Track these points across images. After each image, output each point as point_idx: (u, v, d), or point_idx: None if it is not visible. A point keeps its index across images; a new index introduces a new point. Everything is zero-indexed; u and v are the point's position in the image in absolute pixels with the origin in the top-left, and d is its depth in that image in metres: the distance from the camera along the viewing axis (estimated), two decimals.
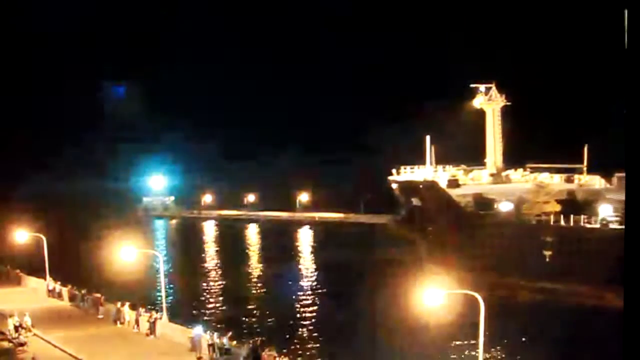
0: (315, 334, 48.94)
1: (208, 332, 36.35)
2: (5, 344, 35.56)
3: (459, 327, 42.56)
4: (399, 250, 73.79)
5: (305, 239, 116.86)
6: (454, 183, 68.78)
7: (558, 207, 60.84)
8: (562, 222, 58.93)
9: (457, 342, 44.06)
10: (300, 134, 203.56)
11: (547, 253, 57.85)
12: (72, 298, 48.61)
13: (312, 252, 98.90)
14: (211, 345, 33.15)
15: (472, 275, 56.36)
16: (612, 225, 56.13)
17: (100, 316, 43.71)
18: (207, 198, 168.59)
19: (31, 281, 56.80)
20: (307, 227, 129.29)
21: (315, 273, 79.00)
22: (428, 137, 70.72)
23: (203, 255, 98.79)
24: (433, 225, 69.19)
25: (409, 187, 71.48)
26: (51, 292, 51.43)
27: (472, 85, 75.33)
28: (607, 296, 47.17)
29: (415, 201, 71.28)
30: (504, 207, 64.31)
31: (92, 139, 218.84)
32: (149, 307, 46.86)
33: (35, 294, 53.52)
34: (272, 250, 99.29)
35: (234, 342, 33.20)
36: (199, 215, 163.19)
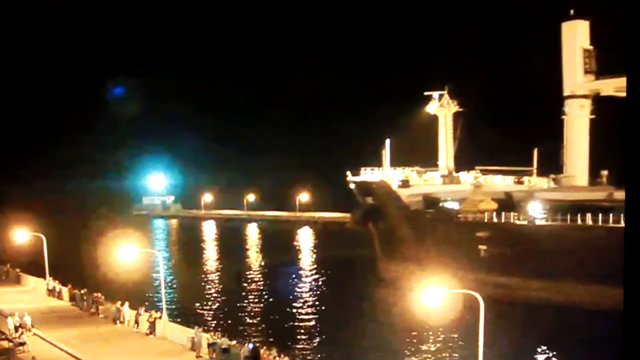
0: (316, 334, 48.92)
1: (208, 331, 36.36)
2: (5, 344, 35.54)
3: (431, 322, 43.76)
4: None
5: (304, 238, 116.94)
6: (405, 183, 72.84)
7: (494, 206, 64.90)
8: (495, 219, 62.54)
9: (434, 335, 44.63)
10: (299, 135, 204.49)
11: (482, 247, 61.51)
12: (72, 298, 48.60)
13: (311, 251, 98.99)
14: (211, 345, 33.15)
15: (416, 269, 63.07)
16: (538, 222, 60.28)
17: (100, 316, 43.73)
18: (207, 198, 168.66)
19: (31, 281, 56.80)
20: (306, 227, 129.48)
21: (315, 272, 79.03)
22: (387, 141, 74.44)
23: (203, 254, 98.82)
24: (384, 223, 73.60)
25: (364, 187, 75.51)
26: (51, 292, 51.43)
27: (426, 93, 79.56)
28: (533, 286, 50.59)
29: (369, 200, 75.78)
30: (449, 206, 69.31)
31: (92, 139, 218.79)
32: (149, 306, 46.86)
33: (35, 293, 53.54)
34: (271, 249, 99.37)
35: (234, 342, 33.16)
36: (199, 214, 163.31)
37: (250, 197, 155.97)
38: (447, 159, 79.67)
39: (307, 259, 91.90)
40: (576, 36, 74.26)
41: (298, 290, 68.88)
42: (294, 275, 77.12)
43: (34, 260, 60.25)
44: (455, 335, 45.35)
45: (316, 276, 76.63)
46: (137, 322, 39.52)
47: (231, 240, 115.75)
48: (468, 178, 76.53)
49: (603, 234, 52.55)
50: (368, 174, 75.62)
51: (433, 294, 24.19)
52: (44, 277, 53.31)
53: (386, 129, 77.18)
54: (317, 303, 61.49)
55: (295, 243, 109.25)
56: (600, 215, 54.17)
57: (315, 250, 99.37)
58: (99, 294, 45.85)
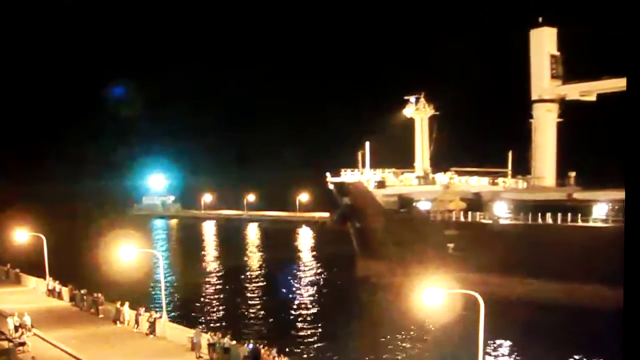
0: (316, 333, 48.94)
1: (208, 331, 36.34)
2: (5, 344, 35.51)
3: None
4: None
5: (304, 238, 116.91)
6: (381, 184, 75.61)
7: (463, 205, 68.43)
8: (462, 219, 66.09)
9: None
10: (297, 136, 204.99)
11: (450, 245, 65.07)
12: (72, 298, 48.58)
13: (310, 251, 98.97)
14: (211, 345, 33.14)
15: (389, 266, 67.78)
16: (502, 221, 63.75)
17: (100, 316, 43.71)
18: (207, 198, 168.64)
19: (31, 281, 56.77)
20: (306, 227, 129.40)
21: (315, 272, 79.08)
22: (367, 143, 77.40)
23: (203, 254, 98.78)
24: (360, 222, 76.96)
25: (342, 188, 78.54)
26: (51, 292, 51.40)
27: (405, 97, 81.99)
28: (491, 282, 52.81)
29: (346, 200, 78.89)
30: (423, 205, 72.09)
31: (92, 140, 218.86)
32: (149, 306, 46.87)
33: (35, 293, 53.51)
34: (271, 249, 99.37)
35: (234, 342, 33.15)
36: (199, 215, 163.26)
37: (251, 197, 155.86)
38: (423, 161, 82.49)
39: (307, 258, 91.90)
40: (544, 42, 76.76)
41: (298, 290, 68.92)
42: (294, 275, 77.17)
43: (34, 260, 60.22)
44: (439, 333, 45.57)
45: (316, 276, 76.67)
46: (137, 322, 39.51)
47: (231, 241, 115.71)
48: (444, 179, 78.95)
49: (560, 232, 56.68)
50: (347, 176, 78.16)
51: (432, 294, 24.20)
52: (44, 277, 53.27)
53: (367, 132, 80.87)
54: (317, 303, 61.53)
55: (295, 243, 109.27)
56: (559, 214, 57.68)
57: (315, 250, 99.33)
58: (99, 294, 45.81)
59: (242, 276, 76.51)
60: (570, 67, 76.14)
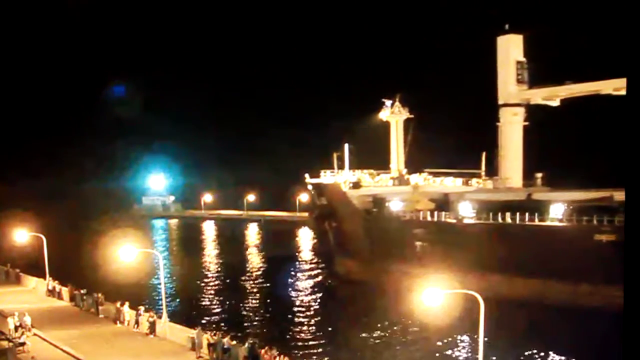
0: (316, 333, 48.92)
1: (208, 332, 36.33)
2: (5, 344, 35.52)
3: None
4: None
5: (304, 238, 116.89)
6: (355, 185, 77.75)
7: (431, 205, 71.86)
8: (429, 218, 68.75)
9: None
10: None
11: (418, 243, 68.24)
12: (72, 298, 48.58)
13: (310, 251, 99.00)
14: (211, 345, 33.15)
15: (362, 263, 71.72)
16: (466, 221, 66.15)
17: (100, 316, 43.70)
18: (207, 198, 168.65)
19: (31, 281, 56.77)
20: (305, 227, 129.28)
21: (315, 271, 79.12)
22: (346, 145, 79.88)
23: (203, 254, 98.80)
24: (336, 222, 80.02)
25: (319, 189, 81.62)
26: (51, 292, 51.41)
27: (383, 100, 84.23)
28: (455, 278, 54.94)
29: (322, 200, 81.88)
30: (395, 206, 74.44)
31: (92, 139, 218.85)
32: (149, 306, 46.87)
33: (35, 293, 53.53)
34: (271, 249, 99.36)
35: (234, 342, 33.15)
36: (199, 215, 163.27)
37: (250, 197, 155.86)
38: (398, 162, 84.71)
39: (307, 258, 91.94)
40: (510, 49, 79.79)
41: (298, 289, 68.94)
42: (294, 275, 77.18)
43: (34, 260, 60.23)
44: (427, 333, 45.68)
45: (316, 276, 76.69)
46: (137, 322, 39.49)
47: (231, 241, 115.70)
48: (419, 180, 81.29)
49: (519, 231, 59.86)
50: (325, 177, 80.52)
51: (432, 295, 24.24)
52: (44, 277, 53.27)
53: (346, 134, 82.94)
54: (317, 302, 61.53)
55: (295, 243, 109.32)
56: (517, 214, 60.63)
57: (314, 250, 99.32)
58: (99, 294, 45.79)
59: (242, 276, 76.51)
60: (537, 73, 79.37)
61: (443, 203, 71.42)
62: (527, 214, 59.90)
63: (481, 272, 56.98)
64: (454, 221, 66.93)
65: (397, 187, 79.55)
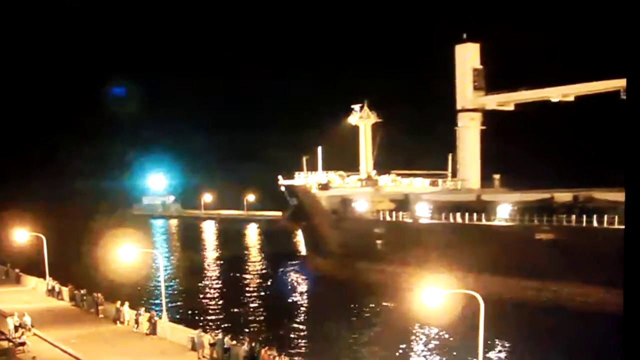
0: (316, 333, 48.90)
1: (208, 331, 36.30)
2: (5, 344, 35.52)
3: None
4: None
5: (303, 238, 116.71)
6: (324, 186, 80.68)
7: (391, 205, 75.38)
8: (388, 218, 72.28)
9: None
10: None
11: (378, 242, 71.63)
12: (72, 298, 48.57)
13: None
14: (212, 345, 33.13)
15: (329, 261, 75.68)
16: (421, 220, 69.49)
17: (100, 316, 43.68)
18: (207, 198, 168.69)
19: (31, 281, 56.77)
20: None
21: (315, 271, 79.10)
22: (320, 148, 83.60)
23: (203, 254, 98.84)
24: (306, 221, 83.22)
25: (291, 190, 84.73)
26: (51, 292, 51.39)
27: (352, 106, 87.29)
28: (409, 273, 60.93)
29: (294, 201, 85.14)
30: (360, 206, 77.34)
31: (92, 139, 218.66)
32: (149, 306, 46.86)
33: (35, 293, 53.50)
34: (271, 249, 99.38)
35: (234, 342, 33.14)
36: (199, 214, 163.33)
37: (250, 197, 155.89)
38: (367, 164, 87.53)
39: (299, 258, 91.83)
40: (467, 57, 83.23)
41: (298, 289, 68.94)
42: (294, 275, 77.20)
43: (34, 260, 60.23)
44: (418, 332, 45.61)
45: (316, 276, 76.66)
46: (137, 322, 39.46)
47: (231, 240, 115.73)
48: (387, 181, 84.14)
49: (467, 230, 63.06)
50: (297, 179, 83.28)
51: (432, 295, 24.25)
52: (44, 277, 53.27)
53: (319, 138, 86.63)
54: (317, 302, 61.53)
55: (295, 243, 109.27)
56: (467, 214, 63.91)
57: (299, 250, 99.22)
58: (99, 294, 45.77)
59: (242, 276, 76.53)
60: (492, 80, 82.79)
61: (404, 203, 74.89)
62: (475, 214, 63.07)
63: (435, 269, 59.25)
64: (410, 221, 70.24)
65: (362, 188, 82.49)
